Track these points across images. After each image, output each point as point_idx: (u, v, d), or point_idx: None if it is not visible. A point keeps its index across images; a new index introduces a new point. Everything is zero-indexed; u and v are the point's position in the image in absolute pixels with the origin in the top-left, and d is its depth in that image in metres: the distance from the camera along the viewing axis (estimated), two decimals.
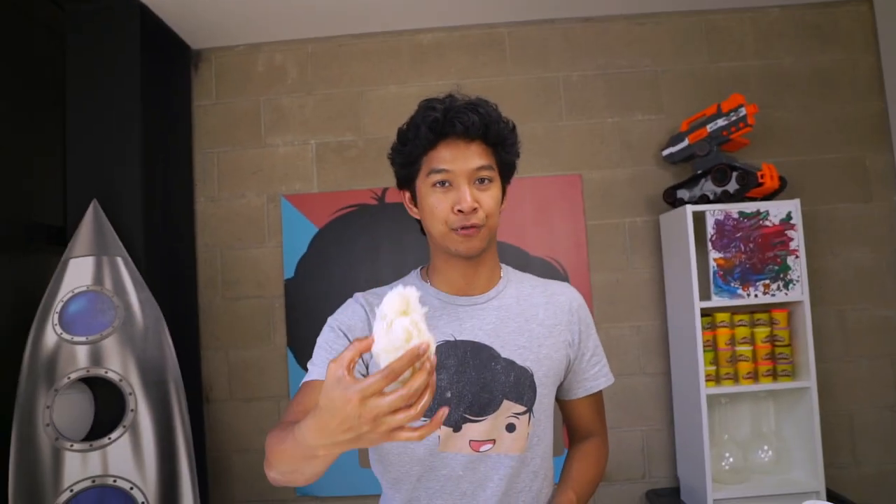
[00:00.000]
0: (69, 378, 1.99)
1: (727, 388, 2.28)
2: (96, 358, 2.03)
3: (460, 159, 1.12)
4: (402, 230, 2.58)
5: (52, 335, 2.01)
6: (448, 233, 1.14)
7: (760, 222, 2.26)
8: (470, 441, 1.15)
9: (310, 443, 0.81)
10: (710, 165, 2.34)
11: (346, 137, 2.65)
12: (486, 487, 1.17)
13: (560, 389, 1.30)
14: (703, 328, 2.28)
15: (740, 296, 2.26)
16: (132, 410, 2.01)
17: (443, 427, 1.14)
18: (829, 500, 2.20)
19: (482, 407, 1.16)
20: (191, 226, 2.62)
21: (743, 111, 2.27)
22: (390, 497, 1.25)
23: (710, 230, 2.27)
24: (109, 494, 1.95)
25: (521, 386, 1.18)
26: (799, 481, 2.25)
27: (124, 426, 2.00)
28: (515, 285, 1.27)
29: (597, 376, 1.29)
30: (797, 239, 2.26)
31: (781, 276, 2.26)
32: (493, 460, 1.17)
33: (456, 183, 1.12)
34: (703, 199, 2.36)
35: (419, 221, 1.23)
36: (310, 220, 2.61)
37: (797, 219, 2.26)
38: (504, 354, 1.19)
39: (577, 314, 1.27)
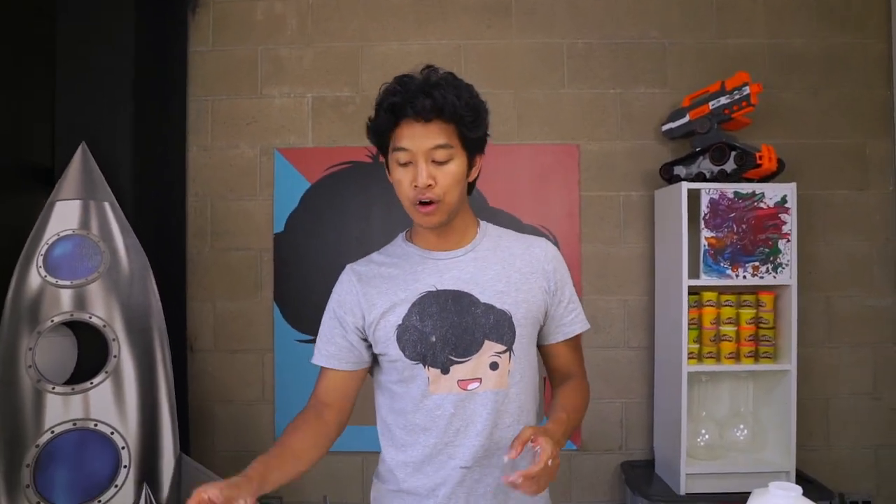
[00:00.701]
0: (52, 321, 1.98)
1: (709, 366, 2.29)
2: (81, 302, 2.02)
3: (418, 138, 1.21)
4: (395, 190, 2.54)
5: (36, 277, 2.00)
6: (411, 206, 1.25)
7: (755, 204, 2.25)
8: (458, 381, 1.26)
9: None
10: (709, 143, 2.31)
11: (343, 93, 2.60)
12: (476, 422, 1.26)
13: (539, 336, 1.37)
14: (690, 306, 2.28)
15: (729, 276, 2.25)
16: (115, 356, 2.00)
17: (431, 370, 1.25)
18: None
19: (465, 348, 1.26)
20: (182, 174, 2.58)
21: (747, 90, 2.23)
22: (392, 439, 1.35)
23: (704, 209, 2.25)
24: (90, 438, 1.96)
25: (500, 327, 1.27)
26: (771, 461, 2.29)
27: (107, 371, 1.99)
28: (493, 239, 1.37)
29: (573, 322, 1.38)
30: (790, 223, 2.25)
31: (771, 258, 2.25)
32: (480, 397, 1.27)
33: (415, 160, 1.21)
34: (700, 177, 2.33)
35: None
36: (302, 174, 2.57)
37: (792, 202, 2.25)
38: (483, 299, 1.28)
39: (552, 264, 1.35)
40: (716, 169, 2.30)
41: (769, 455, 2.33)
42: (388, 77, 2.54)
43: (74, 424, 1.94)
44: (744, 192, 2.24)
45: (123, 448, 1.97)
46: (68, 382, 2.01)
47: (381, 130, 1.25)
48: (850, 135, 2.56)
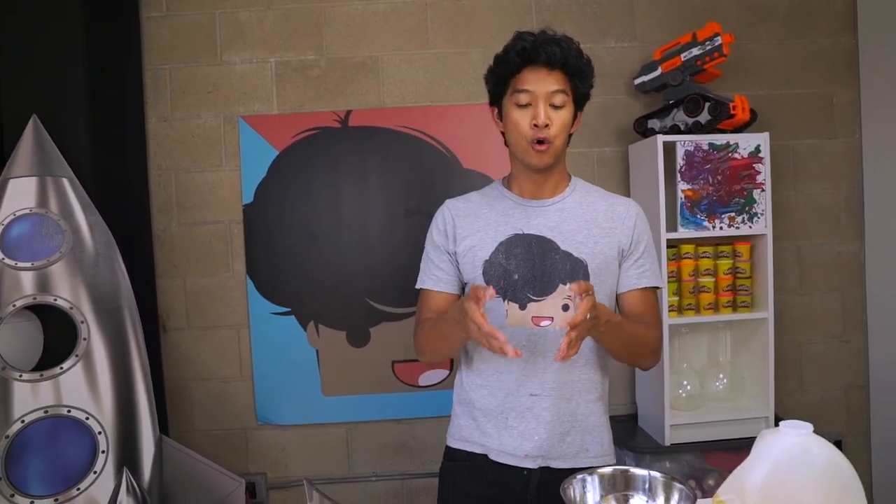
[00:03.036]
0: (14, 306, 1.87)
1: (688, 318, 2.29)
2: (43, 285, 1.91)
3: (541, 83, 1.35)
4: (365, 154, 2.48)
5: None
6: (526, 147, 1.37)
7: (729, 155, 2.23)
8: (532, 317, 1.34)
9: (448, 330, 1.34)
10: (682, 95, 2.27)
11: (307, 56, 2.49)
12: (546, 356, 1.40)
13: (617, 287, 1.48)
14: (669, 259, 2.28)
15: (706, 228, 2.24)
16: (84, 339, 1.90)
17: (510, 303, 1.34)
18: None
19: (542, 289, 1.38)
20: (143, 147, 2.44)
21: (718, 40, 2.20)
22: (470, 364, 1.50)
23: (679, 161, 2.23)
24: (64, 425, 1.87)
25: (575, 274, 1.39)
26: (749, 407, 2.31)
27: (77, 355, 1.90)
28: (581, 193, 1.48)
29: (641, 276, 1.46)
30: (764, 172, 2.24)
31: (747, 209, 2.25)
32: (551, 335, 1.39)
33: (535, 102, 1.34)
34: (675, 130, 2.30)
35: (503, 134, 1.46)
36: (269, 142, 2.47)
37: (765, 152, 2.24)
38: (563, 247, 1.40)
39: (632, 220, 1.46)
40: (690, 121, 2.27)
41: (747, 402, 2.36)
42: (354, 37, 2.47)
43: (46, 412, 1.85)
44: (718, 143, 2.23)
45: (100, 433, 1.88)
46: (36, 369, 1.90)
47: (505, 75, 1.38)
48: (816, 84, 2.56)
